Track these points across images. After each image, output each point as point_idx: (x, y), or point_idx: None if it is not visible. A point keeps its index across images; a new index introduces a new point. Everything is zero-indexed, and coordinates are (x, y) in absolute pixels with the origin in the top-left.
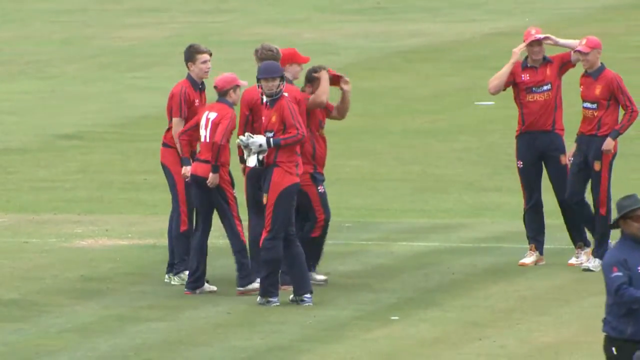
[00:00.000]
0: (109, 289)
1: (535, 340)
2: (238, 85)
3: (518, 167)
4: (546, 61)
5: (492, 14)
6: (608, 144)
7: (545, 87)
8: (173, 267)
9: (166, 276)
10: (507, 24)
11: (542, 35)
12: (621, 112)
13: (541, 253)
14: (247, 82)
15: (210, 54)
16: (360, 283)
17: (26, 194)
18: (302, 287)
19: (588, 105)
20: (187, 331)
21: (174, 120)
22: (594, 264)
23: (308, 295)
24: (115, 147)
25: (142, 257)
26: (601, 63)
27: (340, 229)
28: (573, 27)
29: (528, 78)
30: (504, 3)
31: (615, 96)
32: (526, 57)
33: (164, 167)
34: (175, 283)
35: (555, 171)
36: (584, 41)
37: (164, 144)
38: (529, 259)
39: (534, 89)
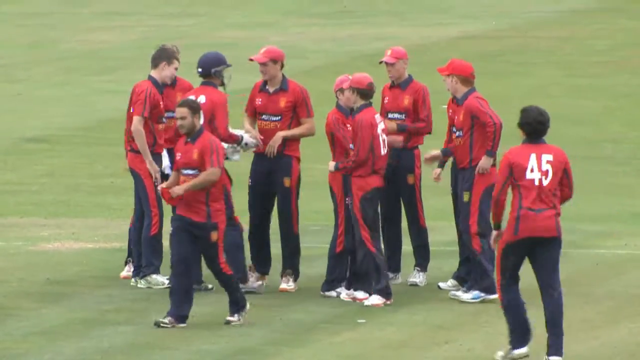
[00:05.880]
0: (75, 293)
1: (501, 344)
2: None
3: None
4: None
5: (459, 17)
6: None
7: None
8: (140, 271)
9: (132, 280)
10: (474, 27)
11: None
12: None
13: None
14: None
15: None
16: None
17: None
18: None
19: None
20: (153, 335)
21: (136, 118)
22: (420, 279)
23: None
24: (82, 151)
25: (109, 261)
26: (409, 75)
27: (307, 233)
28: (539, 31)
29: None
30: (470, 7)
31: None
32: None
33: (132, 171)
34: (142, 286)
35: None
36: (388, 52)
37: (132, 150)
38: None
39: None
